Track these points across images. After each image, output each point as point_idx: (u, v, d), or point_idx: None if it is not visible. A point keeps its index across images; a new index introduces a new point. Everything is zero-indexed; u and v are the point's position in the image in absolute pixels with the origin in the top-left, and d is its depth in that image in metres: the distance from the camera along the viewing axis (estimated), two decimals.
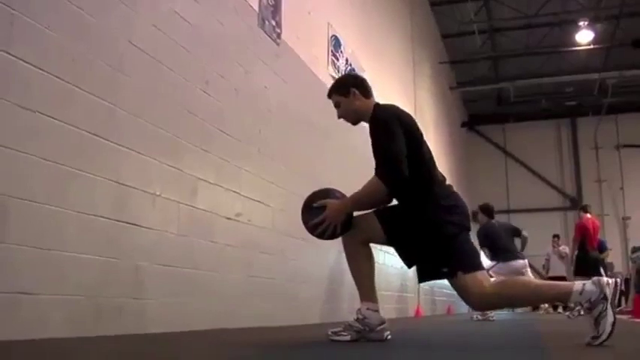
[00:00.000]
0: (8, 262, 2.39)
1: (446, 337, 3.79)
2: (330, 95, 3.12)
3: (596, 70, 14.85)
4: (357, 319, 2.93)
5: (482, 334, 4.26)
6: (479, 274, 2.75)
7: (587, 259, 9.25)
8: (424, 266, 2.90)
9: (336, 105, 3.09)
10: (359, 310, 2.95)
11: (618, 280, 2.50)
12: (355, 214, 2.97)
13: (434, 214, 2.80)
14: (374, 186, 2.79)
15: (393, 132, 2.80)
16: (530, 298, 2.93)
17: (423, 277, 2.92)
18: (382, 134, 2.83)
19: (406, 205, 2.89)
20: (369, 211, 2.97)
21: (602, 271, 9.75)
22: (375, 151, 2.85)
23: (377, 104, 3.04)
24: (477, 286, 2.71)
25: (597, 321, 2.42)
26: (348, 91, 3.02)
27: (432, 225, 2.79)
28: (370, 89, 3.09)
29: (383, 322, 2.97)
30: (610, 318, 2.40)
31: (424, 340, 3.41)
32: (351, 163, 6.14)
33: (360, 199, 2.86)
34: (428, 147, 2.99)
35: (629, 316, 8.16)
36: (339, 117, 3.12)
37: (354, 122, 3.13)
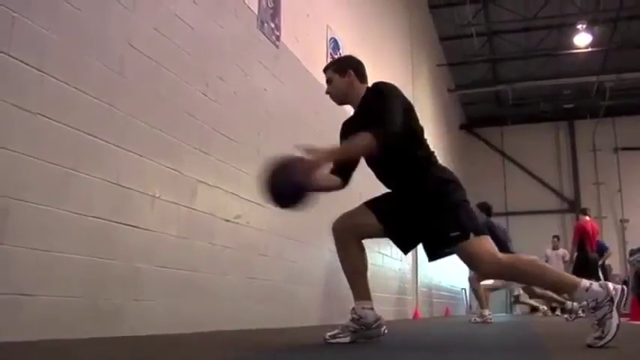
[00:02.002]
0: (7, 263, 2.39)
1: (445, 339, 3.80)
2: (326, 69, 3.14)
3: (594, 72, 14.89)
4: (353, 320, 2.93)
5: (481, 335, 4.26)
6: (487, 238, 2.76)
7: (587, 261, 9.30)
8: (432, 240, 2.85)
9: (329, 81, 3.09)
10: (353, 309, 2.95)
11: (625, 287, 2.51)
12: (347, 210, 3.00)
13: (438, 184, 2.83)
14: (366, 140, 2.68)
15: (400, 102, 2.86)
16: (537, 279, 2.91)
17: (432, 253, 2.88)
18: (395, 98, 2.86)
19: (407, 182, 2.89)
20: (359, 205, 3.00)
21: (600, 273, 9.78)
22: (382, 110, 2.77)
23: (378, 82, 3.05)
24: (488, 251, 2.70)
25: (602, 322, 2.42)
26: (346, 71, 3.05)
27: (437, 193, 2.80)
28: (366, 76, 3.11)
29: (378, 319, 2.97)
30: (615, 320, 2.41)
31: (423, 342, 3.41)
32: None
33: (348, 149, 2.83)
34: (422, 128, 3.02)
35: (627, 318, 8.16)
36: (327, 92, 3.12)
37: (340, 102, 3.13)
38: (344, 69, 3.06)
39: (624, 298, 2.45)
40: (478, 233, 2.74)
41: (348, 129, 2.98)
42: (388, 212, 2.92)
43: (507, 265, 2.71)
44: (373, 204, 2.98)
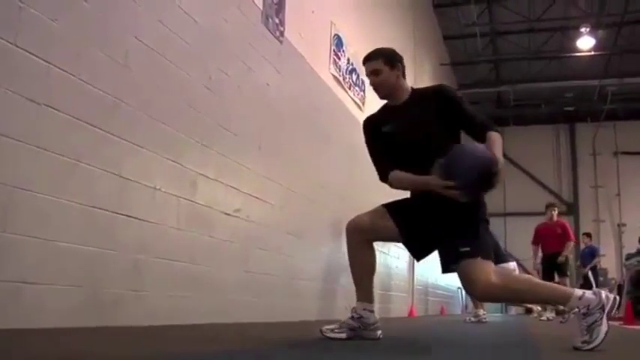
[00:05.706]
0: (9, 251, 2.42)
1: (440, 338, 3.83)
2: (372, 59, 3.03)
3: (596, 76, 14.88)
4: (353, 318, 2.95)
5: (476, 334, 4.30)
6: (491, 263, 2.76)
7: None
8: (446, 249, 2.83)
9: (375, 72, 2.99)
10: (354, 308, 2.97)
11: (618, 297, 2.56)
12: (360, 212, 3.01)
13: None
14: (500, 139, 2.73)
15: None
16: (532, 296, 2.95)
17: (446, 264, 2.86)
18: (465, 101, 2.94)
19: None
20: (377, 207, 2.96)
21: (591, 277, 9.82)
22: (469, 113, 2.86)
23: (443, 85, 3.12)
24: (486, 275, 2.69)
25: (591, 328, 2.46)
26: (395, 64, 3.00)
27: (468, 204, 2.72)
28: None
29: (377, 322, 3.00)
30: (604, 327, 2.46)
31: (419, 340, 3.44)
32: (350, 161, 6.16)
33: (500, 149, 2.70)
34: None
35: (620, 322, 8.19)
36: (373, 84, 3.01)
37: (384, 96, 3.04)
38: (394, 62, 3.01)
39: (615, 307, 2.50)
40: (485, 257, 2.73)
41: (398, 123, 2.92)
42: (409, 219, 2.86)
43: (501, 287, 2.72)
44: (393, 208, 2.91)
